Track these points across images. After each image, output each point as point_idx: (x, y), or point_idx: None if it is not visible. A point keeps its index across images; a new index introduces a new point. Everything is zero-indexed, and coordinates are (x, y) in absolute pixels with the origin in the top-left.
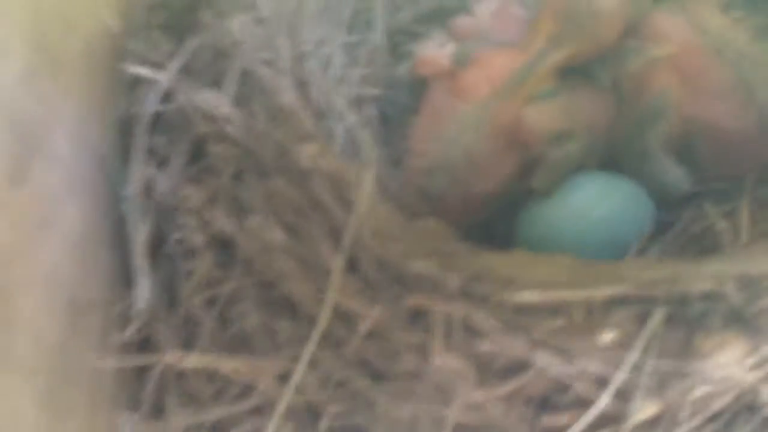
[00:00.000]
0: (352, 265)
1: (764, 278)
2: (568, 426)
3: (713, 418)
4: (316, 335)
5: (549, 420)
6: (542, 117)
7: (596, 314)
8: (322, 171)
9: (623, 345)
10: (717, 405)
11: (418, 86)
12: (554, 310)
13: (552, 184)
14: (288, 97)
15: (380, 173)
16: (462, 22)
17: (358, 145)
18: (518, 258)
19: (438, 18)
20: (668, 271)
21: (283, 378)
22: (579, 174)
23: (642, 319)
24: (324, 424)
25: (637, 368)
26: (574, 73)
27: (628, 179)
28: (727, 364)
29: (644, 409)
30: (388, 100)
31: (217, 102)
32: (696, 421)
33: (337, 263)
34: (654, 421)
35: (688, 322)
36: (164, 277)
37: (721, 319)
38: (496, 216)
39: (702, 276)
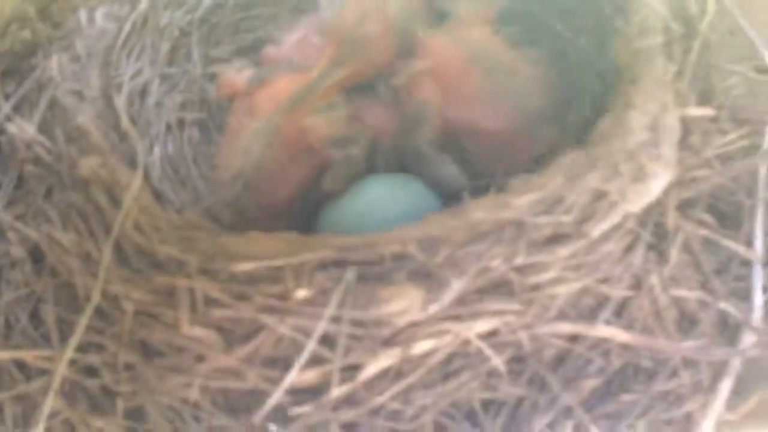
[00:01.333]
0: (121, 257)
1: (441, 238)
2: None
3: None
4: (86, 315)
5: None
6: (324, 125)
7: (304, 278)
8: (101, 179)
9: (323, 302)
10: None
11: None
12: (274, 277)
13: (340, 184)
14: (82, 118)
15: (197, 187)
16: (269, 50)
17: (176, 163)
18: (250, 237)
19: (255, 49)
20: (365, 239)
21: (77, 364)
22: (369, 176)
23: (339, 279)
24: (118, 405)
25: (336, 319)
26: (358, 89)
27: (413, 178)
28: (407, 310)
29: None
30: (212, 122)
31: (25, 129)
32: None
33: (104, 253)
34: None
35: (378, 279)
36: None
37: (406, 274)
38: (302, 218)
39: (390, 240)
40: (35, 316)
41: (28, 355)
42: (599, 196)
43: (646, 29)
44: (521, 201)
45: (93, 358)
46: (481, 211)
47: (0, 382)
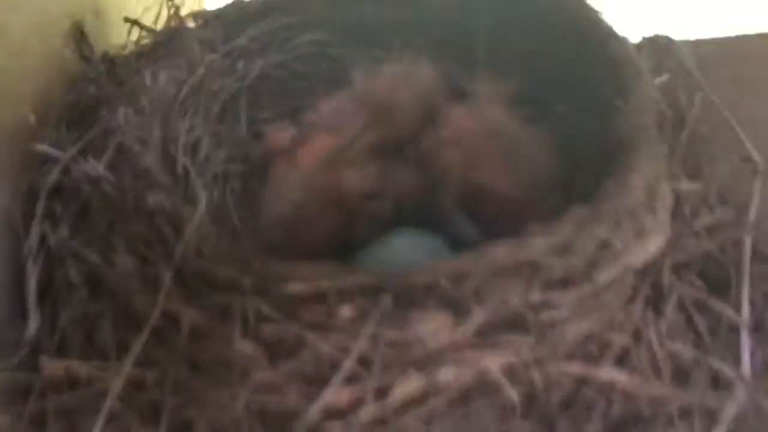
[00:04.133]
0: (180, 279)
1: (467, 272)
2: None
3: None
4: (145, 330)
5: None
6: (359, 179)
7: (346, 300)
8: (165, 211)
9: (361, 321)
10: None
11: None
12: (320, 299)
13: (369, 234)
14: (148, 160)
15: (239, 231)
16: (308, 116)
17: (221, 210)
18: (299, 263)
19: (294, 115)
20: (401, 270)
21: (134, 383)
22: (395, 229)
23: (377, 302)
24: (164, 418)
25: (373, 339)
26: (388, 151)
27: (433, 234)
28: (437, 332)
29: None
30: (253, 175)
31: (94, 168)
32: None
33: (166, 275)
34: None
35: (410, 304)
36: (51, 311)
37: (435, 302)
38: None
39: (422, 272)
40: (90, 338)
41: (82, 367)
42: (605, 245)
43: (642, 109)
44: (537, 244)
45: (144, 373)
46: (502, 251)
47: (50, 396)
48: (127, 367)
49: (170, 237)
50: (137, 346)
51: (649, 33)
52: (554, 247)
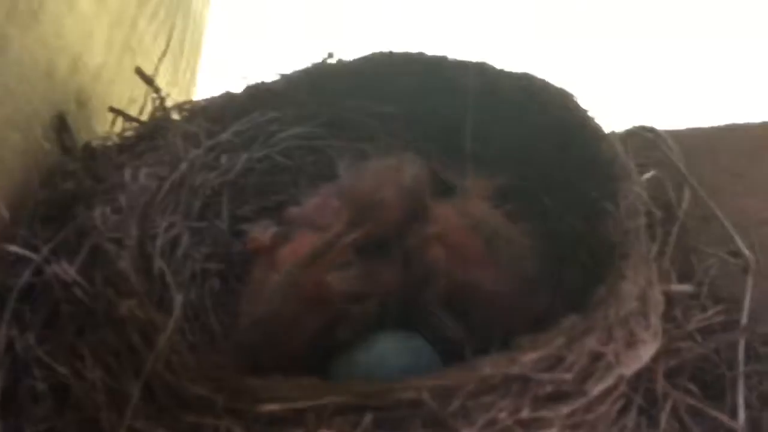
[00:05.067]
0: (149, 394)
1: (454, 389)
2: None
3: None
4: None
5: None
6: (342, 281)
7: (324, 421)
8: (136, 320)
9: None
10: None
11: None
12: (296, 419)
13: (352, 336)
14: (123, 264)
15: (216, 333)
16: (291, 211)
17: (199, 309)
18: (275, 380)
19: (278, 210)
20: (382, 386)
21: None
22: (378, 330)
23: (357, 423)
24: None
25: None
26: (371, 249)
27: (418, 336)
28: None
29: None
30: (233, 273)
31: (66, 271)
32: None
33: (134, 390)
34: None
35: (394, 425)
36: (16, 421)
37: (420, 421)
38: (313, 366)
39: (407, 387)
40: None
41: None
42: (596, 357)
43: (632, 212)
44: (527, 358)
45: None
46: (490, 366)
47: None
48: None
49: (141, 348)
50: None
51: (633, 122)
52: (545, 361)
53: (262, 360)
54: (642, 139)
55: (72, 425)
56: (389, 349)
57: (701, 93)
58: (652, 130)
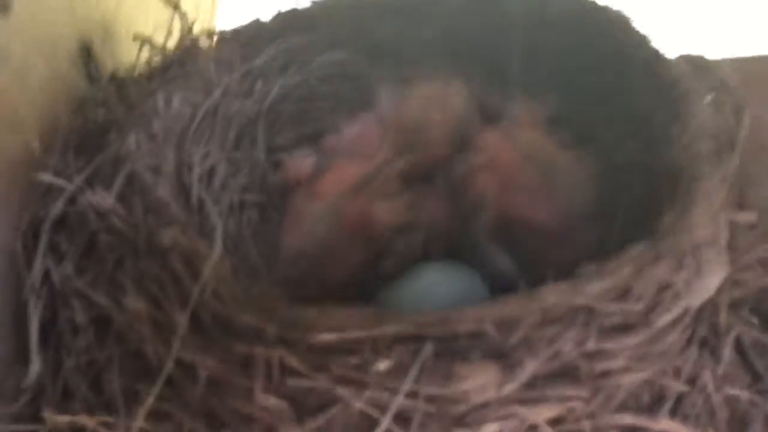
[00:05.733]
0: (196, 324)
1: (516, 319)
2: None
3: None
4: (159, 382)
5: None
6: (388, 212)
7: (382, 351)
8: (180, 248)
9: (399, 375)
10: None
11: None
12: (352, 349)
13: (398, 269)
14: (162, 191)
15: (256, 265)
16: (330, 139)
17: (238, 241)
18: (328, 309)
19: (315, 138)
20: (441, 315)
21: None
22: (424, 263)
23: (416, 354)
24: None
25: (412, 395)
26: (417, 179)
27: (466, 268)
28: (483, 388)
29: None
30: (271, 204)
31: (103, 199)
32: None
33: (181, 320)
34: None
35: (454, 355)
36: (55, 354)
37: (481, 352)
38: (358, 299)
39: (467, 318)
40: (96, 385)
41: (89, 421)
42: (665, 287)
43: (700, 134)
44: (593, 288)
45: (157, 428)
46: (555, 295)
47: None
48: (138, 420)
49: (185, 277)
50: (149, 398)
51: (684, 50)
52: (612, 291)
53: (305, 293)
54: (697, 66)
55: (115, 356)
56: (436, 281)
57: (756, 20)
58: (701, 57)
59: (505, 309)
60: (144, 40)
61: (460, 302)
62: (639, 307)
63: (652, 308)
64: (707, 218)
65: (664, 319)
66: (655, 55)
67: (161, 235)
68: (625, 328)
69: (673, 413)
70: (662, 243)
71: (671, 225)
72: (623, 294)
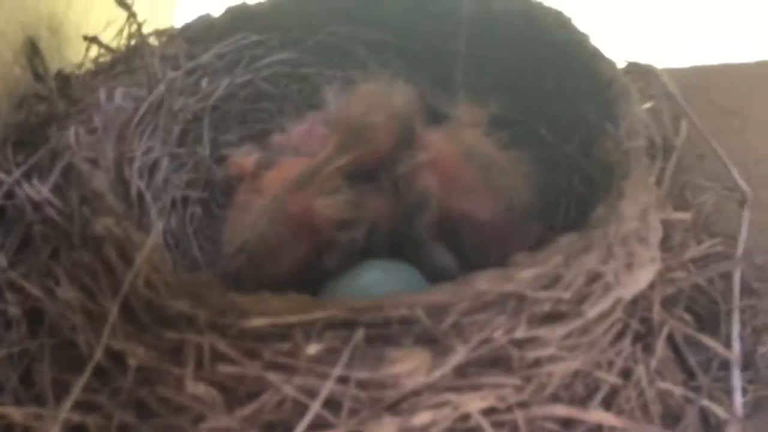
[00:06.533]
0: (128, 313)
1: (447, 305)
2: None
3: None
4: (86, 372)
5: None
6: (330, 207)
7: (314, 336)
8: (114, 238)
9: (331, 360)
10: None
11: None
12: (284, 335)
13: (340, 264)
14: (98, 183)
15: (198, 260)
16: (276, 138)
17: (180, 237)
18: (261, 296)
19: (261, 138)
20: (373, 301)
21: (75, 428)
22: (366, 259)
23: (348, 339)
24: None
25: (342, 380)
26: (360, 176)
27: (409, 265)
28: (413, 372)
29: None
30: (215, 201)
31: (38, 191)
32: None
33: (111, 308)
34: None
35: (386, 341)
36: None
37: (412, 338)
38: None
39: (398, 303)
40: (27, 378)
41: (16, 413)
42: (595, 277)
43: (633, 132)
44: (524, 275)
45: (86, 418)
46: (485, 282)
47: None
48: (66, 411)
49: (118, 266)
50: (78, 388)
51: (627, 60)
52: (543, 279)
53: (246, 288)
54: (638, 74)
55: (45, 349)
56: (378, 278)
57: (695, 32)
58: (647, 66)
59: (437, 295)
60: (91, 40)
61: None
62: (569, 295)
63: (583, 298)
64: (636, 211)
65: (595, 310)
66: (594, 55)
67: (95, 225)
68: (555, 317)
69: (607, 406)
70: (591, 233)
71: (601, 216)
72: (553, 282)
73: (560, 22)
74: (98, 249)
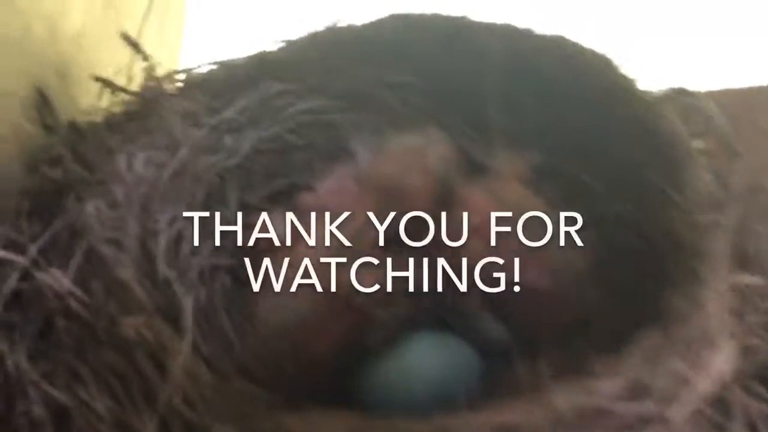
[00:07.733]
0: (164, 428)
1: (519, 426)
2: None
3: None
4: None
5: None
6: (369, 282)
7: None
8: (145, 341)
9: None
10: None
11: None
12: None
13: (383, 342)
14: (124, 272)
15: (227, 341)
16: (305, 197)
17: (209, 312)
18: (312, 416)
19: (288, 194)
20: (437, 424)
21: None
22: (412, 335)
23: None
24: None
25: None
26: (398, 242)
27: (455, 338)
28: None
29: None
30: (244, 268)
31: (59, 279)
32: None
33: (147, 425)
34: None
35: None
36: None
37: None
38: (341, 375)
39: (464, 426)
40: None
41: None
42: (681, 381)
43: (702, 204)
44: (606, 386)
45: None
46: (561, 397)
47: None
48: None
49: (151, 374)
50: None
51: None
52: (625, 389)
53: (285, 370)
54: (680, 103)
55: None
56: (425, 355)
57: (727, 53)
58: (690, 93)
59: (507, 415)
60: (104, 83)
61: (450, 376)
62: (654, 403)
63: (668, 402)
64: (716, 299)
65: (680, 412)
66: (643, 101)
67: (124, 326)
68: (638, 425)
69: None
70: (672, 330)
71: (681, 309)
72: (638, 392)
73: (601, 65)
74: (128, 351)
